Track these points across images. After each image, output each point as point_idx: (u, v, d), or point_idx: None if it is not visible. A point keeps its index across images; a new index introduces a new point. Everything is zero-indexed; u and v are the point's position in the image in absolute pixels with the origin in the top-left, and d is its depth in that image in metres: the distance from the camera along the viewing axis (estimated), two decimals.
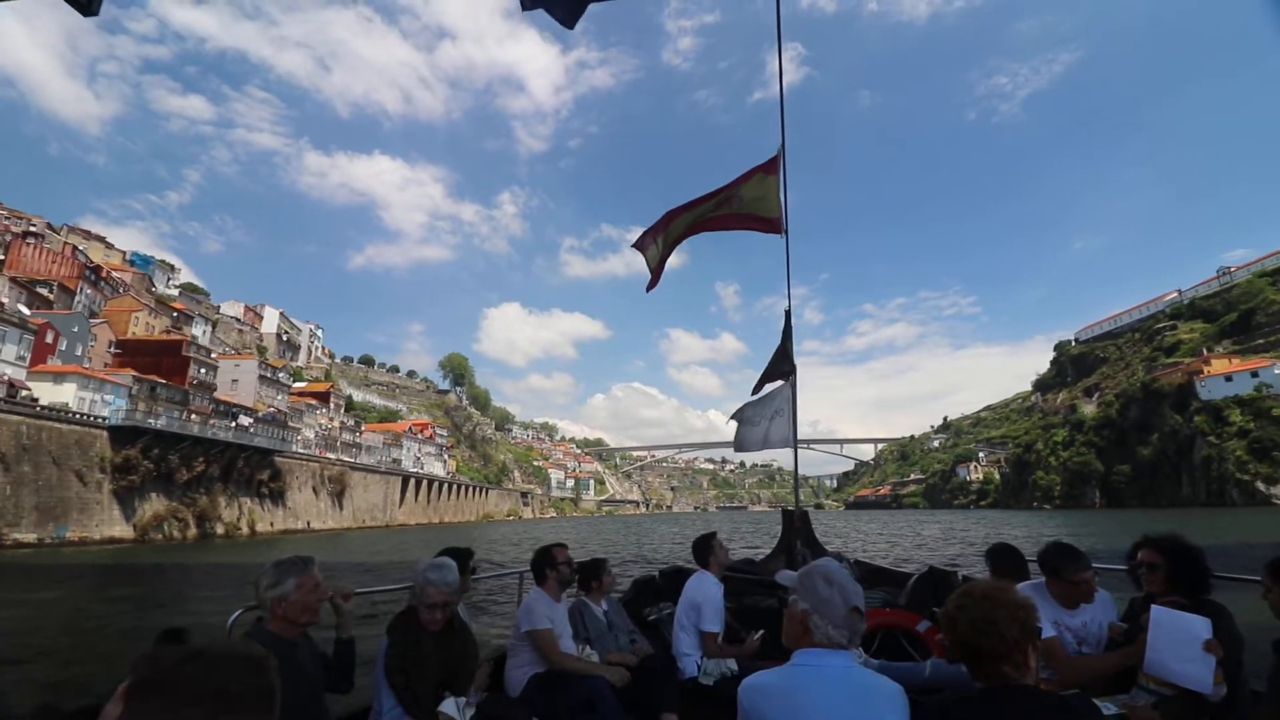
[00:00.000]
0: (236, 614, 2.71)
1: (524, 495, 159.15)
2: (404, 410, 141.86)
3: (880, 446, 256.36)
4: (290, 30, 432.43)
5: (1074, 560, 2.83)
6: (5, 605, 16.81)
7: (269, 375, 76.49)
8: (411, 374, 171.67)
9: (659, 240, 5.33)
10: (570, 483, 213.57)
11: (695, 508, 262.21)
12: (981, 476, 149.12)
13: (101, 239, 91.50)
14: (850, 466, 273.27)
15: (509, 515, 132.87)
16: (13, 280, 53.27)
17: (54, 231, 77.06)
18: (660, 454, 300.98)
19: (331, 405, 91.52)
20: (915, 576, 4.67)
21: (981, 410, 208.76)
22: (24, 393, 40.20)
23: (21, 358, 43.17)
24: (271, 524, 53.38)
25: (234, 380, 70.04)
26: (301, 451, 68.45)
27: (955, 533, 42.48)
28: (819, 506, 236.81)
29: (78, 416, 39.05)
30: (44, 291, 56.54)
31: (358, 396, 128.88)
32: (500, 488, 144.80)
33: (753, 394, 5.77)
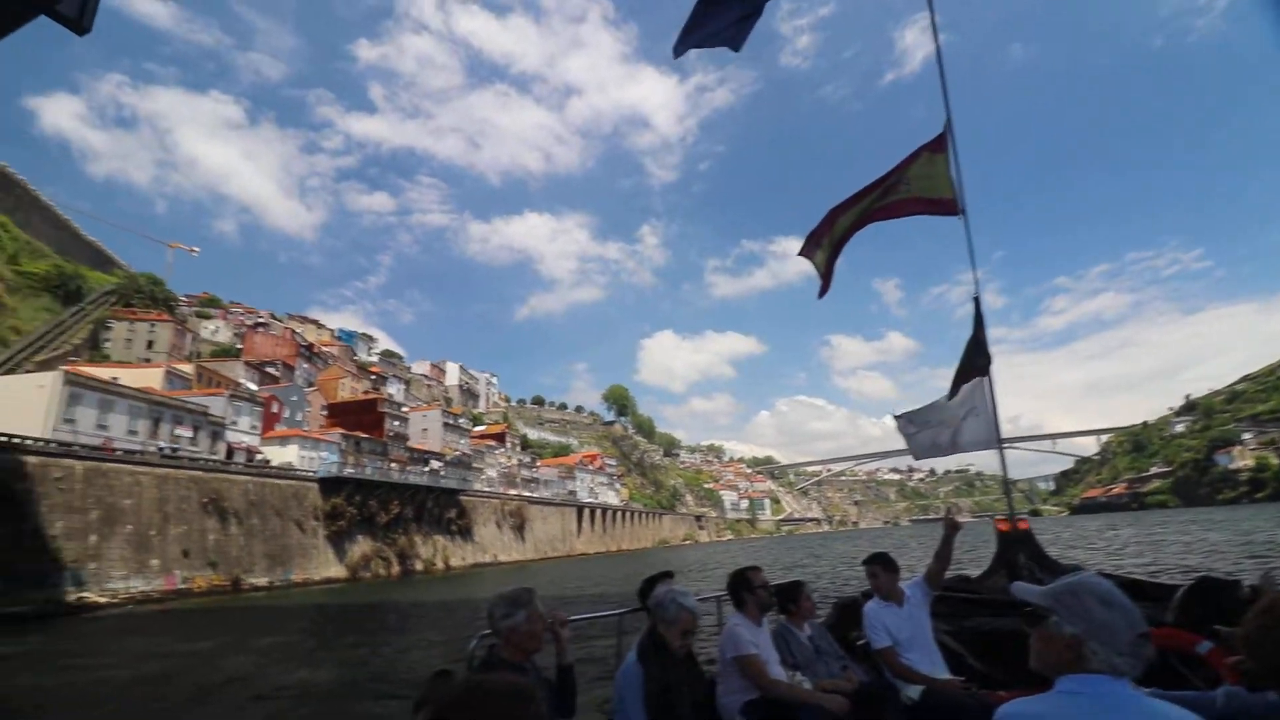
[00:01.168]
0: (474, 642, 2.87)
1: (698, 519, 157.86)
2: (574, 444, 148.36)
3: (1104, 438, 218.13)
4: (444, 120, 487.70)
5: None
6: (264, 640, 18.87)
7: (451, 422, 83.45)
8: (579, 409, 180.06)
9: (825, 242, 5.11)
10: (744, 503, 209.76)
11: (885, 522, 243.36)
12: (1252, 463, 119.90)
13: (315, 321, 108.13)
14: (1069, 465, 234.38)
15: (685, 539, 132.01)
16: (247, 363, 63.68)
17: (277, 320, 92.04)
18: (837, 467, 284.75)
19: (508, 444, 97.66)
20: (1184, 589, 3.98)
21: (1237, 382, 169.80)
22: (258, 456, 47.23)
23: (254, 427, 50.69)
24: (463, 559, 56.95)
25: (424, 429, 77.21)
26: (483, 489, 73.18)
27: (1227, 535, 33.27)
28: (1035, 513, 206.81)
29: (293, 472, 44.53)
30: (271, 370, 66.93)
31: (532, 435, 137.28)
32: (674, 513, 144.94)
33: (950, 396, 5.29)
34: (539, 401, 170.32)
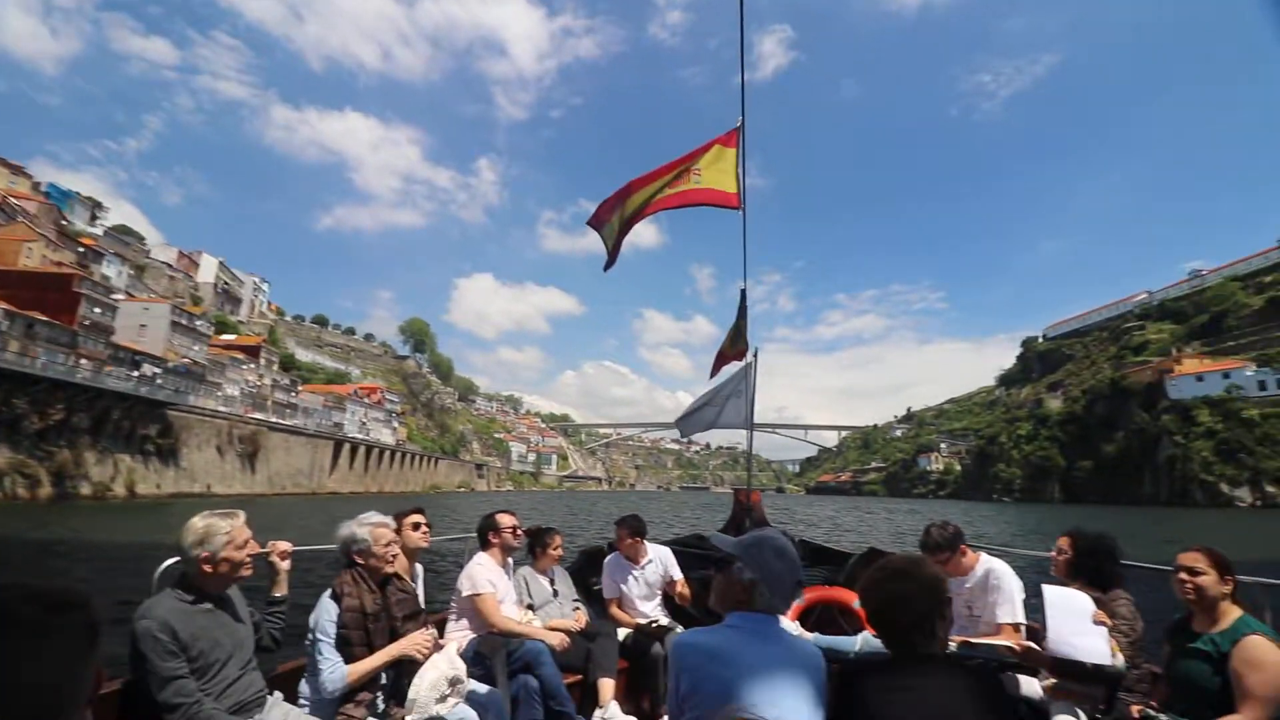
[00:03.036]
0: (164, 565, 2.51)
1: (479, 467, 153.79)
2: (357, 374, 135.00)
3: (844, 434, 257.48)
4: None
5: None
6: None
7: (185, 323, 69.22)
8: (369, 337, 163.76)
9: (615, 217, 4.97)
10: (532, 457, 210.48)
11: (658, 487, 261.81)
12: (942, 467, 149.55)
13: (13, 165, 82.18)
14: (814, 452, 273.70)
15: (460, 487, 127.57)
16: None
17: None
18: (627, 433, 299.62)
19: (262, 361, 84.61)
20: (855, 556, 4.83)
21: (944, 402, 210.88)
22: None
23: None
24: (159, 485, 46.97)
25: (141, 325, 62.68)
26: (215, 408, 61.98)
27: (908, 521, 39.24)
28: (780, 490, 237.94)
29: None
30: None
31: (304, 356, 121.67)
32: (454, 459, 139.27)
33: (711, 375, 5.99)
34: (321, 321, 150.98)
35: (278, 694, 2.51)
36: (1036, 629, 2.91)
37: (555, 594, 4.01)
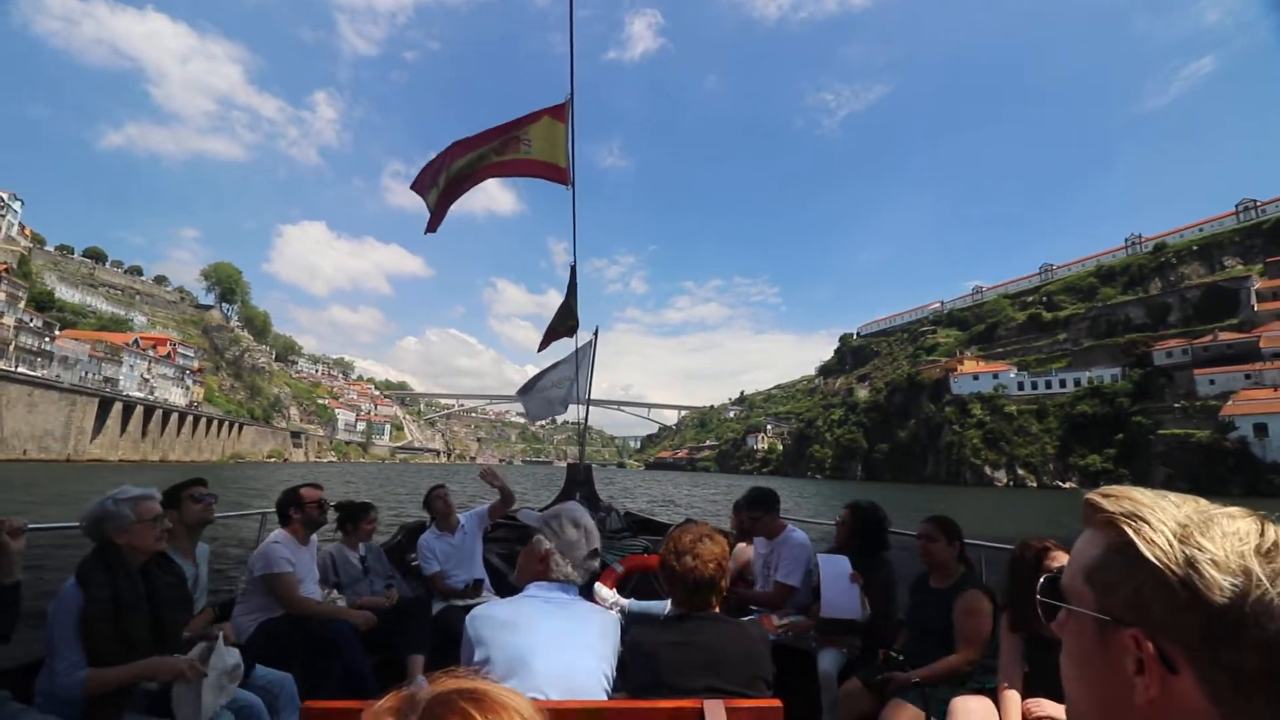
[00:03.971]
0: None
1: (296, 435, 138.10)
2: (143, 322, 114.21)
3: (683, 413, 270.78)
4: None
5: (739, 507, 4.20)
6: None
7: None
8: (161, 280, 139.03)
9: (440, 180, 4.88)
10: (362, 426, 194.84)
11: (500, 460, 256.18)
12: (767, 446, 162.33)
13: None
14: (655, 430, 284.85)
15: (270, 457, 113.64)
16: None
17: None
18: (470, 404, 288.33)
19: (3, 295, 67.78)
20: (673, 527, 4.63)
21: (773, 388, 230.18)
22: None
23: None
24: None
25: None
26: None
27: (728, 496, 41.64)
28: (621, 465, 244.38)
29: None
30: None
31: (71, 296, 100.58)
32: (265, 425, 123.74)
33: (539, 349, 6.18)
34: (97, 256, 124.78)
35: (5, 693, 2.24)
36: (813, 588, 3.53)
37: (366, 572, 3.92)
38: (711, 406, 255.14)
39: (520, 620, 1.66)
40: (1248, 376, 60.53)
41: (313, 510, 3.55)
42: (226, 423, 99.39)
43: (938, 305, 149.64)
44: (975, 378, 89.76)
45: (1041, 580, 0.60)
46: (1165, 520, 0.53)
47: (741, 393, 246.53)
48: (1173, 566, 0.50)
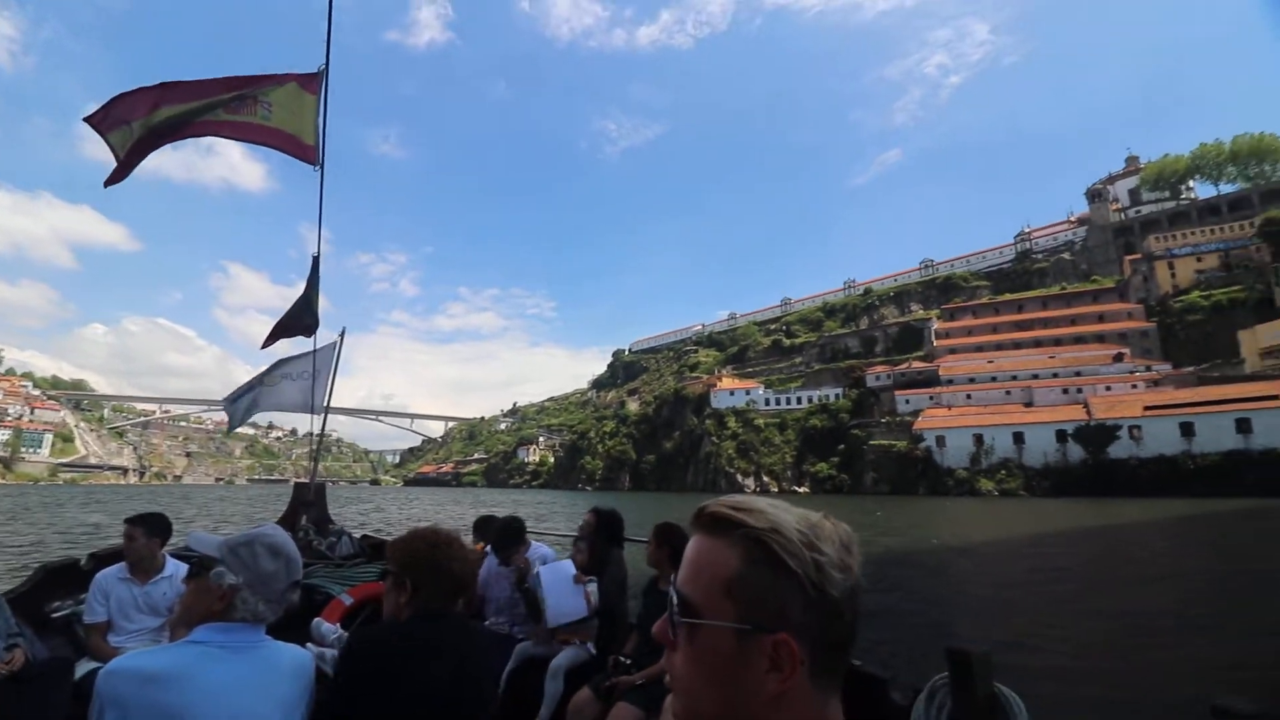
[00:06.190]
0: None
1: None
2: None
3: (451, 425, 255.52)
4: None
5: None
6: None
7: None
8: None
9: (135, 124, 3.95)
10: (5, 435, 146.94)
11: (218, 479, 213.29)
12: (538, 459, 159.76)
13: None
14: (418, 443, 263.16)
15: None
16: None
17: None
18: (179, 410, 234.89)
19: None
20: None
21: (546, 400, 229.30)
22: None
23: None
24: None
25: None
26: None
27: (495, 510, 38.04)
28: (375, 482, 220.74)
29: None
30: None
31: None
32: None
33: (264, 345, 5.18)
34: None
35: None
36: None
37: None
38: (482, 418, 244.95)
39: (174, 672, 1.33)
40: (931, 398, 75.10)
41: None
42: None
43: (700, 327, 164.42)
44: (731, 394, 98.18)
45: (675, 602, 0.63)
46: (793, 531, 0.61)
47: (514, 404, 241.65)
48: (809, 572, 0.59)
